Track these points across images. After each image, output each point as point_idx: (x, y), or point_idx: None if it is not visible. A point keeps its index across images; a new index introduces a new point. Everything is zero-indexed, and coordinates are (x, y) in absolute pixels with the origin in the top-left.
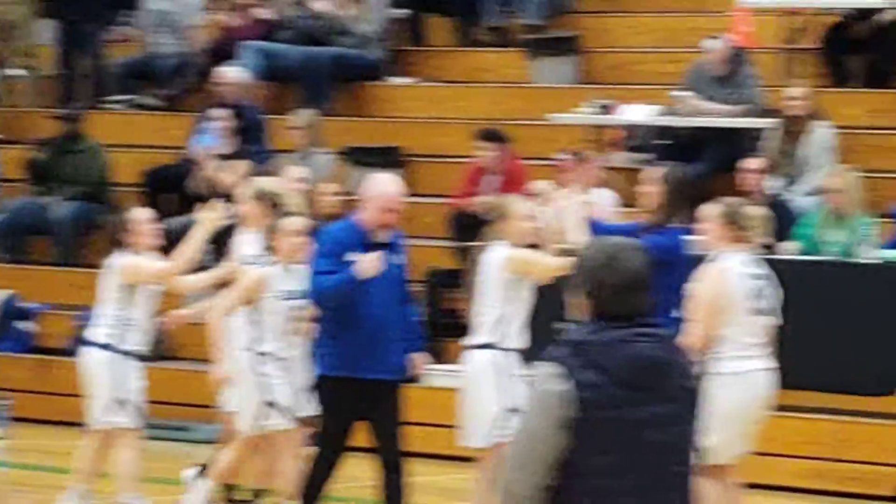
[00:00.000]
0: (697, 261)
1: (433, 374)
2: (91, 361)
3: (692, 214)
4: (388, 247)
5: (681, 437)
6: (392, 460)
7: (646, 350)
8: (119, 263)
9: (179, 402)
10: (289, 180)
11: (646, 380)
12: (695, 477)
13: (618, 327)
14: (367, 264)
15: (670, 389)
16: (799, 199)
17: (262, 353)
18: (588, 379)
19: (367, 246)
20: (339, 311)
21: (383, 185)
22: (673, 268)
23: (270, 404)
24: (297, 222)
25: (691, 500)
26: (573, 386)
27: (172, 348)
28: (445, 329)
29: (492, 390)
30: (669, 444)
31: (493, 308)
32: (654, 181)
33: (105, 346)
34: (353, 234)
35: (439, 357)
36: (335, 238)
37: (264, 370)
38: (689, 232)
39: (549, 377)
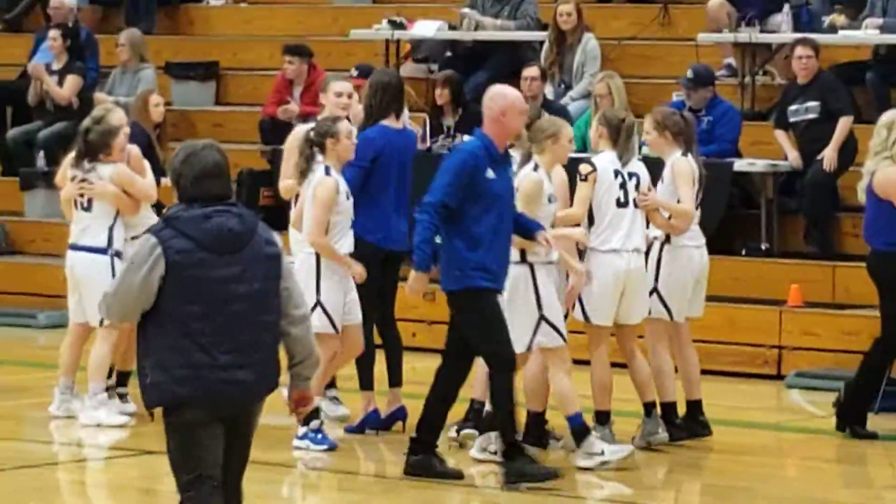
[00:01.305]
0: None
1: None
2: (92, 264)
3: (399, 112)
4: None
5: (266, 291)
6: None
7: (227, 223)
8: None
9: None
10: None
11: (227, 245)
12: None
13: (201, 206)
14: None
15: (250, 253)
16: (572, 102)
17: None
18: (177, 245)
19: (497, 161)
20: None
21: (513, 93)
22: (384, 159)
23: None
24: (348, 127)
25: (277, 341)
26: (163, 250)
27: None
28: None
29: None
30: (255, 296)
31: None
32: (364, 86)
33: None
34: (486, 149)
35: None
36: (465, 157)
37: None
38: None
39: (147, 244)
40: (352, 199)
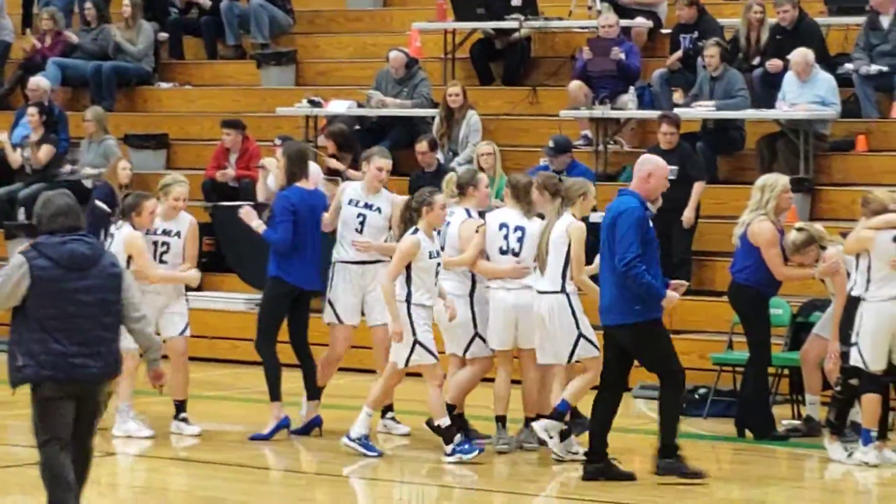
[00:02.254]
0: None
1: (201, 298)
2: None
3: (307, 175)
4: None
5: (108, 300)
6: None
7: (78, 248)
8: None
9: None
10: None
11: (78, 264)
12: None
13: (59, 236)
14: (674, 301)
15: (97, 271)
16: (457, 166)
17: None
18: (39, 263)
19: (648, 212)
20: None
21: (659, 161)
22: (300, 214)
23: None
24: (442, 198)
25: (116, 338)
26: (28, 267)
27: None
28: (204, 265)
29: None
30: (98, 304)
31: None
32: (280, 154)
33: None
34: (642, 205)
35: (201, 286)
36: (640, 214)
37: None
38: (306, 189)
39: (17, 262)
40: (437, 259)
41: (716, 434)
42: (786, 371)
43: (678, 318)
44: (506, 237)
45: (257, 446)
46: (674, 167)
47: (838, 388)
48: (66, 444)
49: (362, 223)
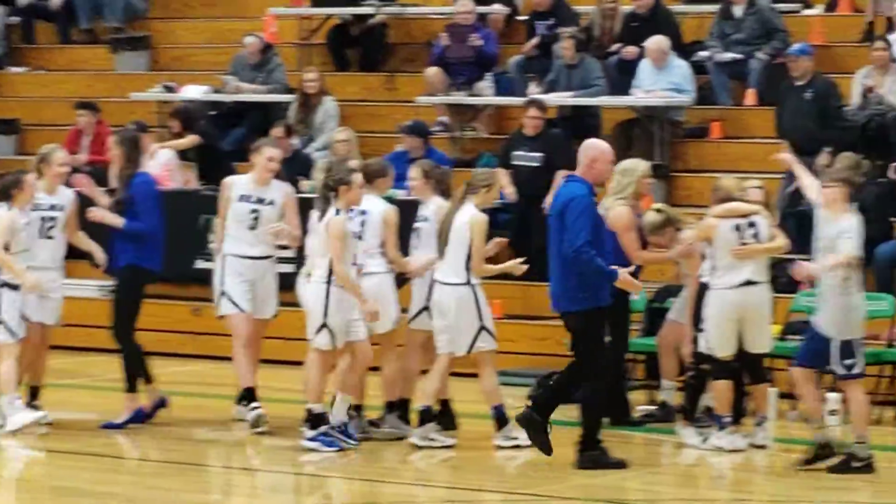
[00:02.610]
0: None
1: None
2: None
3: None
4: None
5: None
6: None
7: None
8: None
9: None
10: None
11: None
12: None
13: None
14: (631, 286)
15: None
16: (314, 152)
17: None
18: None
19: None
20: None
21: (603, 145)
22: (157, 200)
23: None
24: (360, 178)
25: None
26: None
27: None
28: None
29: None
30: None
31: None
32: (114, 143)
33: None
34: (590, 192)
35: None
36: (589, 201)
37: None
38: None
39: None
40: (358, 241)
41: (571, 420)
42: (641, 356)
43: (536, 303)
44: (363, 224)
45: (109, 435)
46: (539, 154)
47: (690, 374)
48: None
49: (256, 219)
